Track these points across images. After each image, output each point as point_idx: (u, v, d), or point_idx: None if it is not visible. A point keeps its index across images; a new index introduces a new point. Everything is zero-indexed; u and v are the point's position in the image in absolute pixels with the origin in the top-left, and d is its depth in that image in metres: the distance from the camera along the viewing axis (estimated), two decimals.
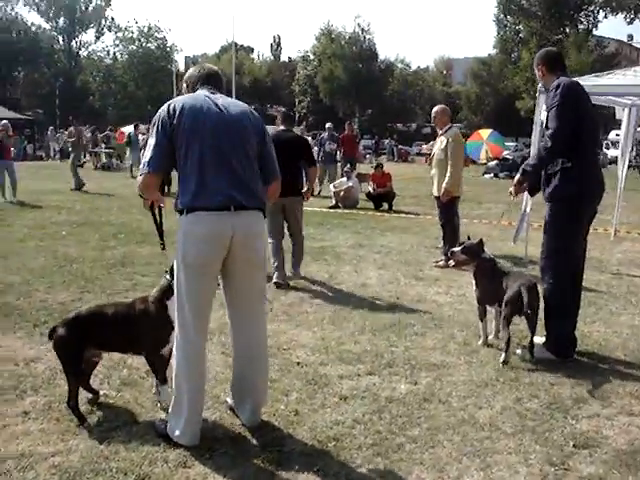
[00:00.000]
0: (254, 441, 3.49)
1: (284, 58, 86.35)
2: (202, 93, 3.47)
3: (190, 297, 3.32)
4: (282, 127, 7.25)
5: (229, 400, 3.81)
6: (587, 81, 8.46)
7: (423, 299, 6.56)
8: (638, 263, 8.69)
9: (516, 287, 4.68)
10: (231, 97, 3.64)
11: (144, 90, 67.50)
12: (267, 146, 3.53)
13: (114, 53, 71.48)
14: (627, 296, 6.80)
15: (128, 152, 24.65)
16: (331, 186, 15.75)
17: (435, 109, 8.59)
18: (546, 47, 5.77)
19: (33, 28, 68.08)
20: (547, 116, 4.75)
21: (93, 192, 17.05)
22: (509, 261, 8.06)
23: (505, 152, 33.04)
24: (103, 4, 70.01)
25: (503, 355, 4.70)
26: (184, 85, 3.69)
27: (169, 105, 3.34)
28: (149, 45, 69.69)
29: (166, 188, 17.82)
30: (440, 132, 8.46)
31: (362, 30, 65.34)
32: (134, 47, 69.86)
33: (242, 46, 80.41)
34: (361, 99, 64.20)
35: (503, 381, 4.35)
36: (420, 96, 71.85)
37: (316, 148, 17.51)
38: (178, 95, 3.71)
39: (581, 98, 4.75)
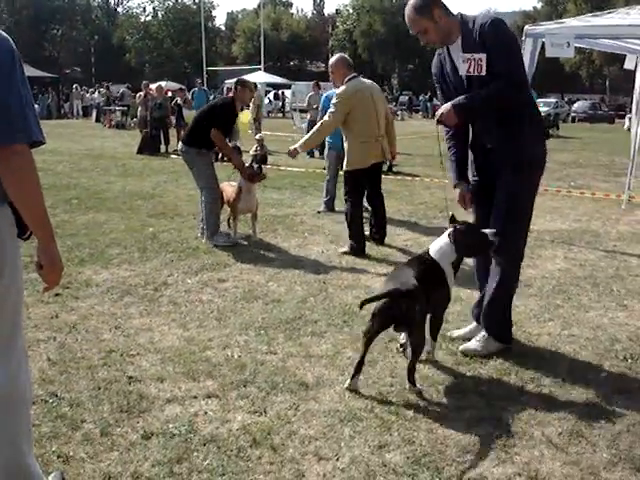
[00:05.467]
0: None
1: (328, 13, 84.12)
2: None
3: None
4: None
5: None
6: (582, 22, 7.10)
7: (355, 284, 5.40)
8: None
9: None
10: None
11: (181, 47, 66.54)
12: None
13: (153, 9, 70.59)
14: (610, 282, 5.51)
15: None
16: None
17: None
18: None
19: None
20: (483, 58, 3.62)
21: (84, 152, 16.24)
22: None
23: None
24: None
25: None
26: None
27: None
28: (185, 0, 68.56)
29: (163, 147, 17.05)
30: None
31: None
32: (170, 2, 68.81)
33: (280, 1, 78.29)
34: (401, 54, 61.84)
35: (378, 414, 3.19)
36: None
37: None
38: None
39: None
